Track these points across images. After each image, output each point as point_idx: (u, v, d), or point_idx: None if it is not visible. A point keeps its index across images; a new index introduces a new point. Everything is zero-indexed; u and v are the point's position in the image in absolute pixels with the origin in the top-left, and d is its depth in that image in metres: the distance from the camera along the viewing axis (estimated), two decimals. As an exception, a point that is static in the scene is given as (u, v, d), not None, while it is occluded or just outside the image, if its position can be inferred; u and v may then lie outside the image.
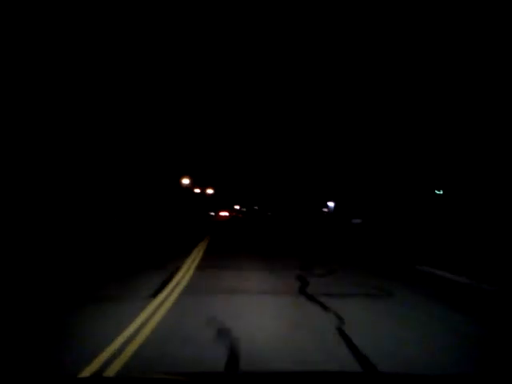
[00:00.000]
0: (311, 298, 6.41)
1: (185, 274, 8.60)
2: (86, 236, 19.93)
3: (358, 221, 25.79)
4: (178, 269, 9.26)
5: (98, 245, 15.98)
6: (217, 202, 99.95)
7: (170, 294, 6.52)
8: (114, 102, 38.97)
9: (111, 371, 3.51)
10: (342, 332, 4.68)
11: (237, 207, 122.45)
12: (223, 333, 4.55)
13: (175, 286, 7.26)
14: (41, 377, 2.91)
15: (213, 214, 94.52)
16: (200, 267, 9.80)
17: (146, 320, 5.02)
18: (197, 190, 71.66)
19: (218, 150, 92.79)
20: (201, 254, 13.17)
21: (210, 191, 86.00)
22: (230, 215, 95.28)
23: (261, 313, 5.50)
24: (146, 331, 4.62)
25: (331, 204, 52.91)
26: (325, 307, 5.82)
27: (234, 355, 3.88)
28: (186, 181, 54.46)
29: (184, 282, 7.61)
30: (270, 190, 70.41)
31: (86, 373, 3.46)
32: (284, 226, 35.10)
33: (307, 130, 50.90)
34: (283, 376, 2.35)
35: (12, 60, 24.45)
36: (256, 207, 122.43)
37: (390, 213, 23.90)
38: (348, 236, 21.81)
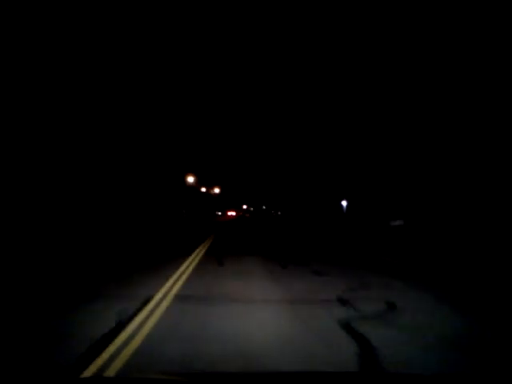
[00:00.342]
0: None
1: (149, 317, 4.96)
2: (72, 238, 17.66)
3: (399, 222, 21.23)
4: (145, 303, 5.61)
5: (80, 249, 12.52)
6: (224, 202, 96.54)
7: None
8: (118, 100, 37.05)
9: None
10: None
11: (244, 207, 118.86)
12: None
13: (114, 356, 3.63)
14: (41, 377, 2.84)
15: (220, 213, 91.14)
16: (182, 296, 6.15)
17: None
18: (203, 189, 68.15)
19: (226, 149, 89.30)
20: (194, 265, 9.63)
21: (216, 190, 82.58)
22: (237, 215, 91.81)
23: None
24: None
25: (344, 203, 49.13)
26: None
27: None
28: (190, 179, 50.93)
29: (135, 344, 3.95)
30: (279, 190, 66.49)
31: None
32: (298, 228, 31.23)
33: (317, 126, 47.11)
34: (283, 376, 2.25)
35: (12, 60, 23.72)
36: (264, 207, 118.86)
37: (444, 211, 19.11)
38: (388, 242, 17.25)
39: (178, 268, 9.02)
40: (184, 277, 7.99)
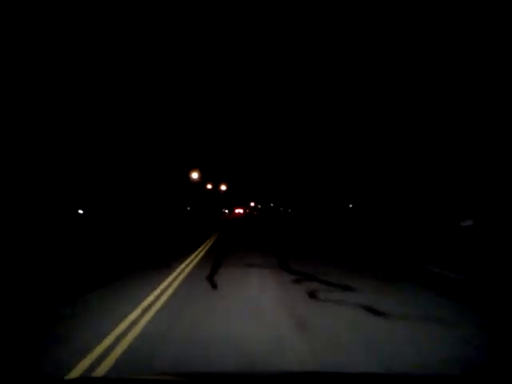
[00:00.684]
0: None
1: None
2: (62, 238, 15.73)
3: (469, 223, 16.58)
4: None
5: (55, 252, 9.15)
6: (231, 199, 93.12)
7: None
8: (121, 94, 35.60)
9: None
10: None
11: (252, 204, 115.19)
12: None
13: None
14: (28, 379, 2.83)
15: (227, 211, 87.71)
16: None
17: None
18: (209, 186, 64.68)
19: (233, 146, 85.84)
20: (174, 287, 6.20)
21: (223, 187, 79.16)
22: (244, 212, 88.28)
23: None
24: None
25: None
26: None
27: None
28: (194, 175, 47.44)
29: None
30: (288, 186, 62.57)
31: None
32: (317, 228, 25.75)
33: (327, 120, 43.38)
34: (283, 376, 2.17)
35: (12, 60, 22.99)
36: (272, 204, 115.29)
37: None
38: (454, 248, 12.41)
39: (146, 295, 5.52)
40: (147, 317, 4.48)
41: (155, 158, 42.74)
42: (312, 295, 5.84)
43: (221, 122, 77.90)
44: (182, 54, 51.51)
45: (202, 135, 61.64)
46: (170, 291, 6.03)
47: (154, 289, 6.11)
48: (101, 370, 3.12)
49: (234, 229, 26.06)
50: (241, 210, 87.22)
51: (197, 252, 11.54)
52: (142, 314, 4.71)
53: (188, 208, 49.29)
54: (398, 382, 1.98)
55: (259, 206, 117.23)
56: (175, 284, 6.65)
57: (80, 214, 28.32)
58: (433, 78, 22.90)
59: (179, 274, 7.71)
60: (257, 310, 4.98)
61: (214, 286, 6.44)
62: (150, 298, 5.53)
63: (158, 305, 5.18)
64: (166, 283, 6.63)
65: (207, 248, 12.85)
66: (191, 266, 8.90)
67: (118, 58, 34.43)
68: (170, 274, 7.64)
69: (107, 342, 3.75)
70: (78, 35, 28.14)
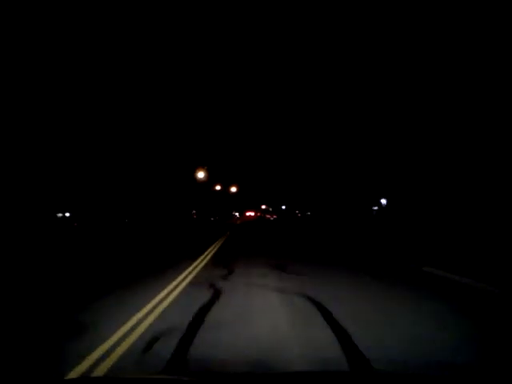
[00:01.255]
0: None
1: None
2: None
3: None
4: None
5: None
6: (242, 201, 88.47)
7: None
8: (124, 93, 33.06)
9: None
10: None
11: (263, 206, 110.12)
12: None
13: None
14: (29, 379, 2.75)
15: (237, 214, 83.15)
16: None
17: None
18: (218, 187, 59.91)
19: (244, 146, 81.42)
20: None
21: (233, 189, 74.35)
22: (255, 215, 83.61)
23: None
24: None
25: (383, 201, 40.25)
26: None
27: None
28: (200, 174, 42.77)
29: None
30: (305, 187, 57.28)
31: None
32: (353, 240, 17.11)
33: (344, 116, 38.26)
34: (283, 376, 2.14)
35: (12, 61, 22.46)
36: (283, 206, 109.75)
37: None
38: None
39: None
40: None
41: (157, 155, 38.50)
42: None
43: (230, 121, 73.70)
44: (189, 52, 47.87)
45: (211, 134, 57.34)
46: None
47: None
48: None
49: (243, 237, 21.31)
50: (252, 213, 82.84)
51: (178, 280, 6.82)
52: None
53: (194, 211, 44.75)
54: (398, 382, 1.89)
55: (271, 209, 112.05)
56: None
57: (60, 217, 24.20)
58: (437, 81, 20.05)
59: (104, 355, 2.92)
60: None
61: None
62: None
63: None
64: None
65: (196, 272, 8.10)
66: (148, 321, 4.09)
67: (123, 57, 33.34)
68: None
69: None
70: (79, 37, 27.41)
